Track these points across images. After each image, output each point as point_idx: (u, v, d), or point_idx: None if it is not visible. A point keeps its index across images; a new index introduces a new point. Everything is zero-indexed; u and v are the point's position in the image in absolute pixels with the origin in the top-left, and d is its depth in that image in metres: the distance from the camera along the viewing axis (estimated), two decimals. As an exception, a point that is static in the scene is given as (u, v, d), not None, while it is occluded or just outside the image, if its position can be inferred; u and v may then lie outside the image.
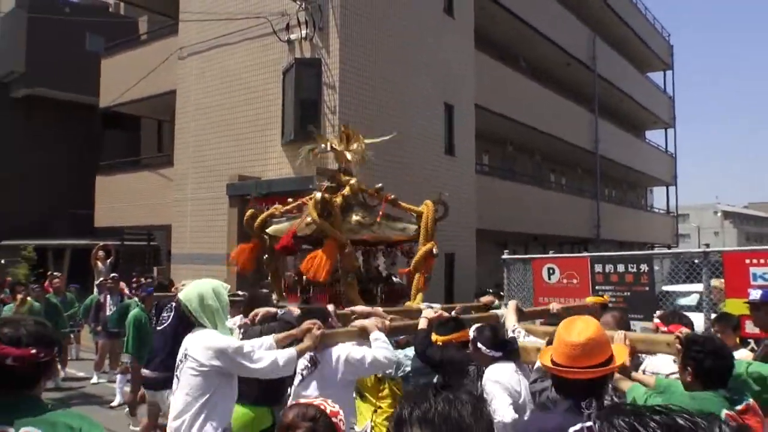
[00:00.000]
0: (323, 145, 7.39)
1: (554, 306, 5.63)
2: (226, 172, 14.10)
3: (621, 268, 7.46)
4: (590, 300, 6.27)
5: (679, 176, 38.52)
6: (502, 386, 3.65)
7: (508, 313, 4.61)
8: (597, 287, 7.60)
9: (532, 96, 22.06)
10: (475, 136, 18.19)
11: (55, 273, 14.19)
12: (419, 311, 5.40)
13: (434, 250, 6.61)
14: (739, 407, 2.70)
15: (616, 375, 3.12)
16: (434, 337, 4.18)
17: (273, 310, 4.90)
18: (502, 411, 3.49)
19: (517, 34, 22.11)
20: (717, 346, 2.94)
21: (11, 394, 1.94)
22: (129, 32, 21.47)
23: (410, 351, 4.36)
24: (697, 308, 8.81)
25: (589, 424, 2.03)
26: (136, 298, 10.27)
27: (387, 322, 4.26)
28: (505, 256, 9.60)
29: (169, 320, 6.03)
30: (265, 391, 4.09)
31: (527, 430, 2.31)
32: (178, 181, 15.82)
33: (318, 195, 6.27)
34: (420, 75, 15.45)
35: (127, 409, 8.10)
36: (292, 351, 3.65)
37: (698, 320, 7.37)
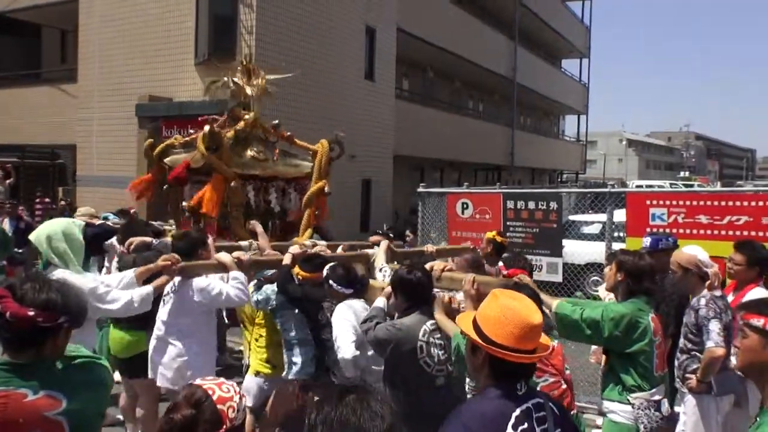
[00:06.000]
0: (225, 78, 7.21)
1: (428, 247, 5.80)
2: (135, 92, 13.40)
3: (531, 205, 7.64)
4: (489, 235, 6.29)
5: (589, 104, 39.77)
6: (348, 323, 3.87)
7: (378, 253, 4.80)
8: (508, 223, 7.79)
9: (454, 21, 21.87)
10: (395, 61, 17.99)
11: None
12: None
13: (326, 189, 6.68)
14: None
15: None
16: (296, 270, 4.35)
17: (148, 239, 5.04)
18: (344, 348, 3.76)
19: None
20: None
21: (21, 355, 1.98)
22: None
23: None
24: (600, 237, 9.31)
25: (530, 404, 2.02)
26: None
27: (248, 256, 4.52)
28: (420, 189, 9.67)
29: None
30: (138, 316, 4.18)
31: (462, 419, 2.01)
32: (83, 99, 14.94)
33: (207, 128, 6.21)
34: (341, -4, 14.96)
35: None
36: (148, 288, 3.86)
37: (600, 249, 7.84)
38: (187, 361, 4.15)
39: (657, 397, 3.38)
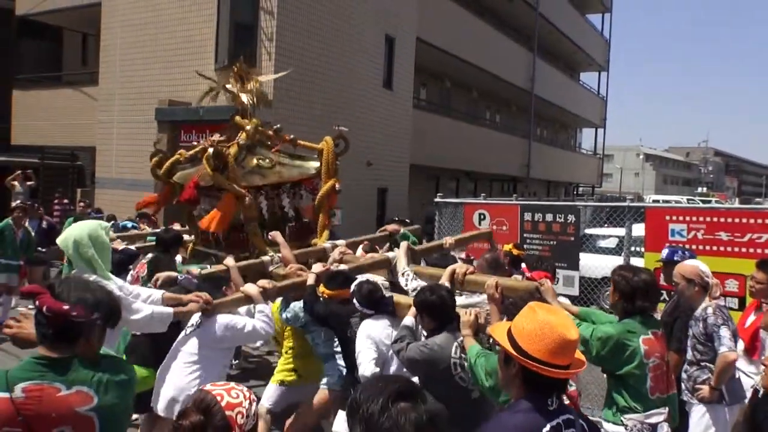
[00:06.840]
0: (221, 86, 7.14)
1: (447, 240, 5.73)
2: (155, 96, 13.52)
3: (549, 217, 7.58)
4: (506, 247, 6.29)
5: (607, 118, 39.58)
6: (370, 341, 3.91)
7: (399, 256, 4.69)
8: (525, 235, 7.74)
9: (473, 31, 21.89)
10: (414, 70, 18.02)
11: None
12: (323, 250, 5.62)
13: (337, 186, 6.57)
14: None
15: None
16: (321, 289, 4.37)
17: (174, 274, 4.98)
18: (364, 365, 3.82)
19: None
20: None
21: (56, 350, 2.04)
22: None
23: None
24: (616, 251, 9.21)
25: (561, 419, 2.01)
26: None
27: (274, 284, 4.45)
28: (437, 199, 9.65)
29: None
30: (154, 352, 4.15)
31: None
32: (104, 102, 15.09)
33: (210, 150, 6.08)
34: (362, 5, 15.02)
35: None
36: (169, 311, 3.75)
37: (617, 263, 7.73)
38: (181, 395, 3.90)
39: (652, 420, 3.30)
